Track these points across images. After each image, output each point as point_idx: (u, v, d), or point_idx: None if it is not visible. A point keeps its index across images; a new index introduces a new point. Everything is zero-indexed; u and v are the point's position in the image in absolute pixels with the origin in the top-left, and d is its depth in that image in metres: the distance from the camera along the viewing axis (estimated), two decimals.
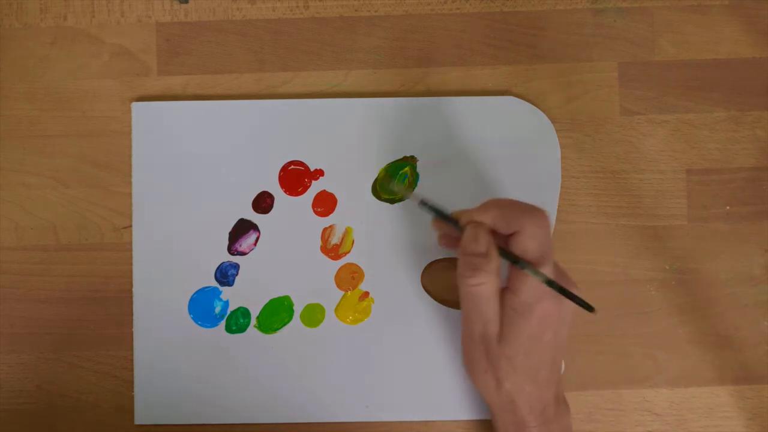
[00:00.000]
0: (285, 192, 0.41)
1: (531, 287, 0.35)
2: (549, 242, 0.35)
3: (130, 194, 0.41)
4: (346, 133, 0.41)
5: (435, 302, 0.41)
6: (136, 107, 0.41)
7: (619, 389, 0.41)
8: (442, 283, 0.41)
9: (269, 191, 0.41)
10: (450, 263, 0.41)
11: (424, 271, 0.41)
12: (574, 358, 0.41)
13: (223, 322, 0.41)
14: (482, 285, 0.35)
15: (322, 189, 0.41)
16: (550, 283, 0.34)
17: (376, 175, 0.41)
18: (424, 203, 0.38)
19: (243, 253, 0.41)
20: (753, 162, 0.42)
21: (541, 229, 0.35)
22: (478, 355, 0.37)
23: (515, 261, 0.35)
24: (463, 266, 0.36)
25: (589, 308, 0.34)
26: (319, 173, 0.41)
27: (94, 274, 0.41)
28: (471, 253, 0.35)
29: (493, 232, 0.36)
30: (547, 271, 0.35)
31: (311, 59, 0.42)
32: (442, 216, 0.38)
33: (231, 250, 0.41)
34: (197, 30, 0.42)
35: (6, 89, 0.42)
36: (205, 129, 0.41)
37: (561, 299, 0.35)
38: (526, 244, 0.35)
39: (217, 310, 0.41)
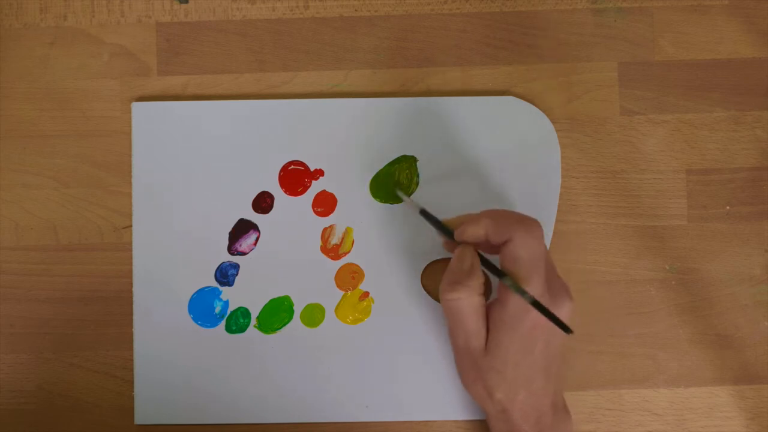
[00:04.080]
0: (285, 192, 0.41)
1: (519, 299, 0.35)
2: (540, 252, 0.35)
3: (130, 194, 0.41)
4: (347, 133, 0.41)
5: (435, 302, 0.41)
6: (136, 107, 0.41)
7: (619, 389, 0.41)
8: None
9: (269, 191, 0.41)
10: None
11: (423, 271, 0.41)
12: (574, 358, 0.41)
13: (223, 322, 0.41)
14: (460, 300, 0.35)
15: (322, 189, 0.41)
16: (534, 302, 0.34)
17: (374, 176, 0.41)
18: (423, 213, 0.38)
19: (243, 253, 0.41)
20: (753, 162, 0.42)
21: (533, 238, 0.35)
22: (466, 367, 0.37)
23: (501, 276, 0.35)
24: (444, 282, 0.36)
25: (566, 329, 0.34)
26: (319, 173, 0.41)
27: (94, 274, 0.41)
28: (454, 270, 0.36)
29: (487, 243, 0.36)
30: (537, 282, 0.34)
31: (311, 59, 0.42)
32: (438, 227, 0.38)
33: (231, 250, 0.41)
34: (197, 30, 0.42)
35: (6, 89, 0.42)
36: (205, 129, 0.41)
37: (551, 309, 0.35)
38: (517, 252, 0.35)
39: (217, 310, 0.41)
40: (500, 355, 0.35)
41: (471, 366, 0.36)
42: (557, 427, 0.37)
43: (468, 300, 0.35)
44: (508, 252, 0.35)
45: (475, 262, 0.36)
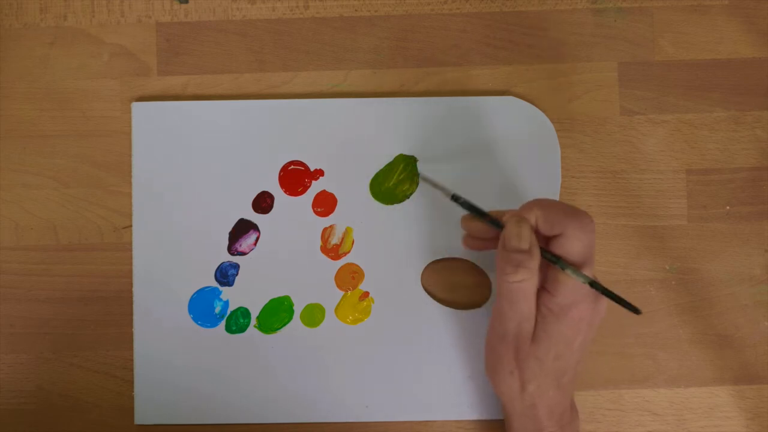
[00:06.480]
0: (285, 192, 0.41)
1: (569, 289, 0.34)
2: (592, 246, 0.35)
3: (130, 194, 0.41)
4: (346, 133, 0.41)
5: (435, 302, 0.41)
6: (136, 107, 0.41)
7: (619, 389, 0.41)
8: (442, 283, 0.41)
9: (269, 191, 0.41)
10: (450, 263, 0.41)
11: (424, 271, 0.41)
12: None
13: (223, 322, 0.41)
14: (524, 282, 0.34)
15: (322, 189, 0.41)
16: (593, 284, 0.34)
17: (374, 176, 0.41)
18: (456, 198, 0.38)
19: (243, 253, 0.41)
20: (753, 162, 0.42)
21: (585, 233, 0.34)
22: (506, 356, 0.36)
23: (556, 261, 0.34)
24: (505, 262, 0.35)
25: (635, 311, 0.33)
26: (319, 173, 0.41)
27: (94, 274, 0.41)
28: (513, 250, 0.35)
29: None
30: (588, 274, 0.34)
31: (311, 59, 0.42)
32: (477, 213, 0.37)
33: (231, 250, 0.41)
34: (197, 30, 0.42)
35: (6, 89, 0.42)
36: (205, 129, 0.41)
37: (596, 303, 0.35)
38: (570, 247, 0.34)
39: (217, 310, 0.41)
40: (545, 343, 0.35)
41: (511, 355, 0.36)
42: (572, 424, 0.37)
43: (530, 282, 0.34)
44: (560, 246, 0.34)
45: (533, 241, 0.35)
